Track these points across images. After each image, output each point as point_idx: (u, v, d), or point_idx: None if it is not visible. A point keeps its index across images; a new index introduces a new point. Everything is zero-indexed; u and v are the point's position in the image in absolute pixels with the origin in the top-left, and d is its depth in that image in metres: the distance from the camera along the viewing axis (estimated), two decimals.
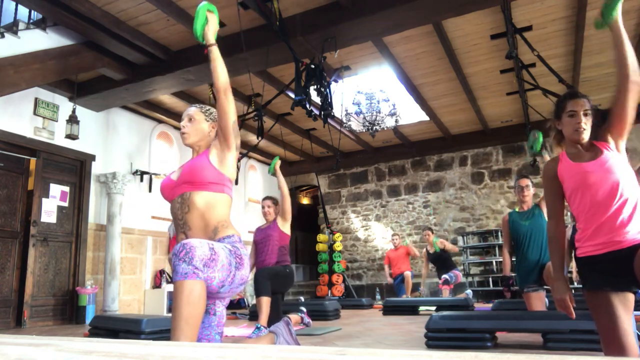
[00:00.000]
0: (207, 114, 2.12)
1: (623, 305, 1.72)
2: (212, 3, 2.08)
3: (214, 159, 1.98)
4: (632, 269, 1.69)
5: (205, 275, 1.71)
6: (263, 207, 4.38)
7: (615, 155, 1.84)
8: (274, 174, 4.37)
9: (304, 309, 4.73)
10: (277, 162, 4.34)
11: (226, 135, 1.98)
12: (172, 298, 1.70)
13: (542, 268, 3.70)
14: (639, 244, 1.71)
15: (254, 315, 5.89)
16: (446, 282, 6.83)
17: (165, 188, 2.04)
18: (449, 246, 7.29)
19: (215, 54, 2.01)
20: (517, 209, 4.03)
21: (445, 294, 6.86)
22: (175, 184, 1.99)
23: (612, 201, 1.76)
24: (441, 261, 7.20)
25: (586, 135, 1.89)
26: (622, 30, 1.82)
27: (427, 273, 7.65)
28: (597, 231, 1.78)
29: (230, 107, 1.97)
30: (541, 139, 4.37)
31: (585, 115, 1.89)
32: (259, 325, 3.86)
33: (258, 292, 3.93)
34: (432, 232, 7.42)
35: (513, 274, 4.08)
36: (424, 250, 7.51)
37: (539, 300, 3.72)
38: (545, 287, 3.80)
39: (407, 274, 7.66)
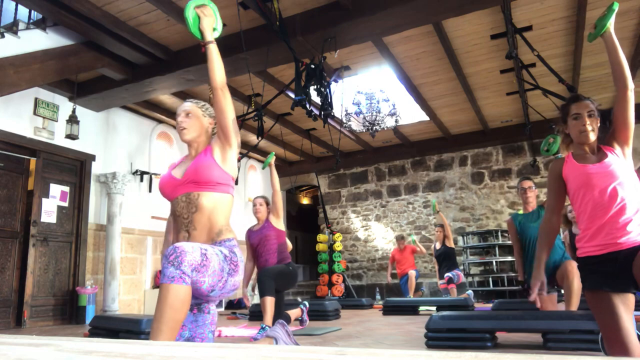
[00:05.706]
0: (204, 109, 2.08)
1: (624, 304, 1.74)
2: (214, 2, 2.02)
3: (218, 158, 1.95)
4: (631, 271, 1.71)
5: (194, 279, 1.69)
6: (254, 205, 4.33)
7: (619, 160, 1.87)
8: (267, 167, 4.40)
9: (307, 303, 4.75)
10: (273, 158, 4.34)
11: (226, 133, 1.95)
12: (157, 299, 1.68)
13: (556, 269, 3.61)
14: (638, 246, 1.73)
15: (253, 315, 5.89)
16: (450, 280, 6.79)
17: (166, 186, 1.99)
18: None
19: (213, 51, 1.93)
20: (520, 211, 3.97)
21: (453, 294, 6.79)
22: (178, 182, 1.94)
23: (613, 203, 1.79)
24: (446, 257, 7.05)
25: (592, 136, 1.91)
26: (615, 41, 1.86)
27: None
28: (597, 232, 1.81)
29: (229, 105, 1.93)
30: (558, 142, 4.31)
31: (590, 116, 1.92)
32: (263, 326, 3.86)
33: (262, 292, 3.91)
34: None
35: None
36: (432, 247, 7.54)
37: (550, 302, 3.67)
38: (558, 288, 3.71)
39: (412, 273, 7.53)
